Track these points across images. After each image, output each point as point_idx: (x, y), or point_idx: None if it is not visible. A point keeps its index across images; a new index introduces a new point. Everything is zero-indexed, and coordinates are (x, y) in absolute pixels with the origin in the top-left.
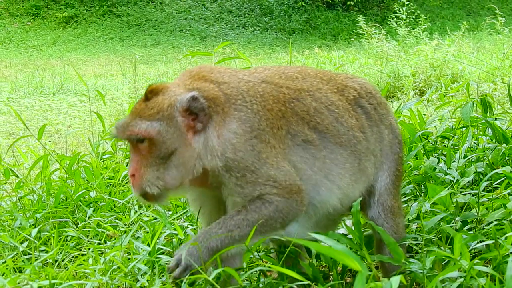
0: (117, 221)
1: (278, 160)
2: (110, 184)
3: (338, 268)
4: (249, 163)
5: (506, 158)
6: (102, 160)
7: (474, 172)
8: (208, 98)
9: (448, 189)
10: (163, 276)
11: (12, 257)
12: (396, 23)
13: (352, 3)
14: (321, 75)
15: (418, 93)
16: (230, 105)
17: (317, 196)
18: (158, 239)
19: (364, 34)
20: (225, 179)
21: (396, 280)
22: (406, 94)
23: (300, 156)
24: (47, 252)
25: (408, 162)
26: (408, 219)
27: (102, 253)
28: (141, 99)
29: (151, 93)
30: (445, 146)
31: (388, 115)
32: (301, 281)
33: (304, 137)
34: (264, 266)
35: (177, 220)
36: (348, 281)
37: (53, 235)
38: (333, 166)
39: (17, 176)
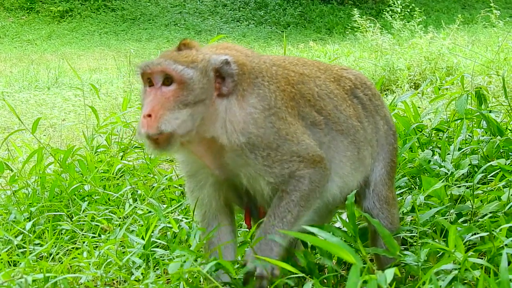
0: (111, 214)
1: (297, 135)
2: (105, 178)
3: (333, 260)
4: (271, 140)
5: (501, 150)
6: (96, 154)
7: (469, 165)
8: (239, 64)
9: (442, 182)
10: (157, 269)
11: (6, 251)
12: (391, 17)
13: None
14: (317, 64)
15: (413, 86)
16: (252, 80)
17: None
18: (152, 232)
19: (359, 27)
20: (250, 159)
21: (390, 272)
22: (401, 87)
23: (311, 136)
24: (41, 245)
25: (403, 154)
26: (403, 211)
27: (96, 247)
28: (173, 48)
29: (184, 46)
30: (439, 138)
31: (382, 106)
32: (296, 273)
33: (312, 119)
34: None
35: (172, 213)
36: (343, 273)
37: (47, 228)
38: (335, 153)
39: (12, 170)
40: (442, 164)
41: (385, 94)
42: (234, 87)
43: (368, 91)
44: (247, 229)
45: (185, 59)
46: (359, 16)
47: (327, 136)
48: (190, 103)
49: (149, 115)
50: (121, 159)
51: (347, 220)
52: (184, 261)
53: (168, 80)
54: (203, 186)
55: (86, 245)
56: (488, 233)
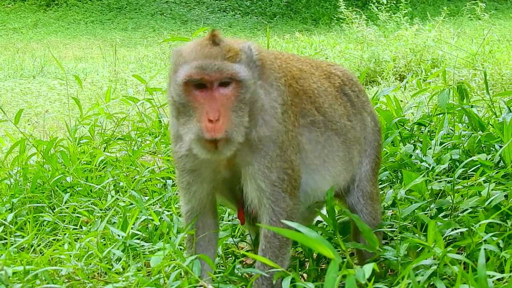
0: (93, 206)
1: (296, 143)
2: (87, 169)
3: (314, 254)
4: (284, 138)
5: (482, 145)
6: (79, 145)
7: (450, 159)
8: (260, 55)
9: (423, 176)
10: (138, 261)
11: None
12: (377, 8)
13: None
14: (309, 60)
15: (398, 78)
16: (271, 74)
17: (312, 183)
18: (133, 224)
19: (345, 18)
20: (258, 157)
21: (368, 268)
22: (386, 79)
23: (308, 137)
24: (22, 237)
25: (384, 148)
26: (384, 205)
27: (77, 239)
28: (207, 43)
29: (218, 39)
30: (421, 133)
31: (368, 102)
32: (277, 268)
33: (312, 118)
34: (239, 253)
35: (153, 205)
36: (323, 267)
37: (29, 220)
38: (329, 153)
39: None
40: (424, 158)
41: (371, 86)
42: (260, 74)
43: (355, 88)
44: (241, 224)
45: (230, 54)
46: (345, 8)
47: (324, 135)
48: (248, 101)
49: (217, 120)
50: (103, 151)
51: (327, 215)
52: (166, 255)
53: (225, 82)
54: (203, 181)
55: (67, 237)
56: (467, 228)
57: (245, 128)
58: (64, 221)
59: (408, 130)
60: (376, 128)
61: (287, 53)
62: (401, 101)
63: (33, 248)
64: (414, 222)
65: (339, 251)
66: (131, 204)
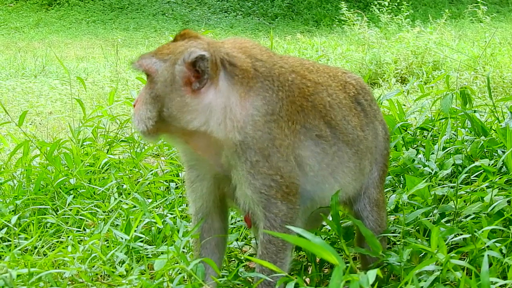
0: (96, 208)
1: (288, 152)
2: (90, 171)
3: (317, 259)
4: (264, 145)
5: (485, 150)
6: (82, 147)
7: (453, 164)
8: (238, 66)
9: (426, 181)
10: (141, 264)
11: None
12: (379, 10)
13: None
14: (327, 70)
15: (400, 80)
16: (258, 82)
17: (320, 192)
18: (136, 227)
19: (347, 20)
20: (239, 161)
21: (372, 274)
22: (387, 81)
23: (311, 150)
24: (26, 239)
25: None
26: (387, 210)
27: (81, 241)
28: (170, 41)
29: (180, 37)
30: (424, 137)
31: (379, 110)
32: (280, 273)
33: (319, 132)
34: (242, 256)
35: (157, 208)
36: (326, 272)
37: (32, 222)
38: (339, 164)
39: None
40: (426, 163)
41: (372, 88)
42: (212, 84)
43: (368, 96)
44: (248, 227)
45: (164, 51)
46: (346, 9)
47: (333, 147)
48: (155, 96)
49: (134, 106)
50: (107, 153)
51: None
52: (170, 258)
53: (144, 72)
54: (203, 178)
55: (71, 240)
56: (470, 235)
57: (151, 120)
58: (67, 223)
59: (411, 134)
60: (386, 136)
61: (308, 63)
62: (404, 105)
63: (36, 250)
64: (417, 227)
65: (341, 255)
66: (135, 206)
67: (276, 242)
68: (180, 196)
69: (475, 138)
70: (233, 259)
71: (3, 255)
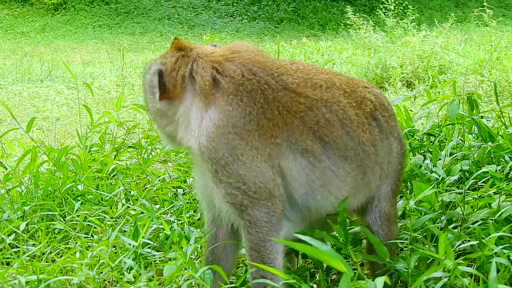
0: (104, 214)
1: (254, 160)
2: (98, 177)
3: (324, 265)
4: (220, 155)
5: (492, 156)
6: (90, 153)
7: (460, 170)
8: (198, 82)
9: (433, 187)
10: (149, 271)
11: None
12: (384, 14)
13: None
14: (345, 86)
15: (406, 84)
16: (221, 96)
17: (313, 201)
18: (144, 233)
19: (352, 24)
20: (206, 170)
21: (380, 281)
22: (393, 85)
23: (297, 161)
24: (34, 245)
25: None
26: None
27: (89, 247)
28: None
29: (171, 46)
30: (431, 143)
31: (396, 126)
32: (287, 279)
33: (304, 147)
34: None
35: (164, 214)
36: (333, 278)
37: (40, 228)
38: (333, 177)
39: (5, 168)
40: (433, 169)
41: None
42: (176, 95)
43: (386, 113)
44: None
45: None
46: (352, 13)
47: (325, 162)
48: (150, 109)
49: None
50: (114, 159)
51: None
52: (179, 265)
53: None
54: (199, 180)
55: (79, 246)
56: (478, 241)
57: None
58: (75, 229)
59: (418, 140)
60: (401, 151)
61: (322, 77)
62: (411, 110)
63: (45, 256)
64: (424, 234)
65: (349, 261)
66: (142, 212)
67: (258, 248)
68: (188, 202)
69: (482, 144)
70: (240, 265)
71: (11, 262)
